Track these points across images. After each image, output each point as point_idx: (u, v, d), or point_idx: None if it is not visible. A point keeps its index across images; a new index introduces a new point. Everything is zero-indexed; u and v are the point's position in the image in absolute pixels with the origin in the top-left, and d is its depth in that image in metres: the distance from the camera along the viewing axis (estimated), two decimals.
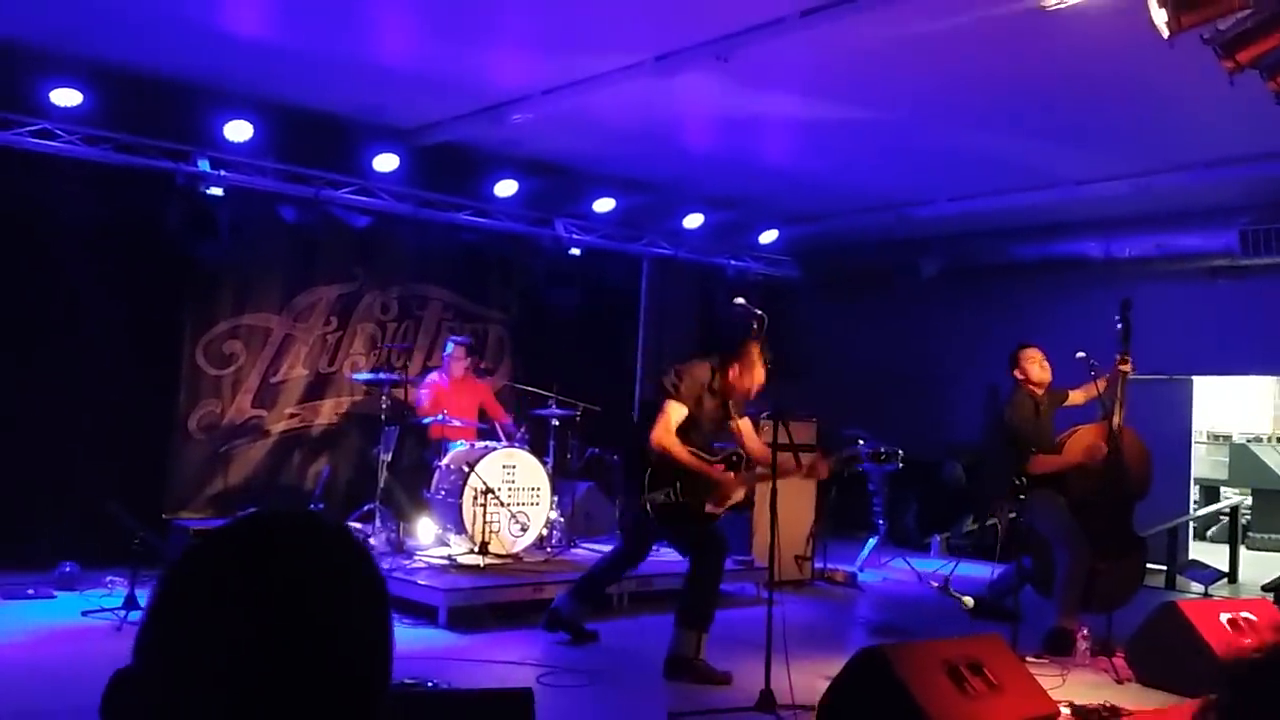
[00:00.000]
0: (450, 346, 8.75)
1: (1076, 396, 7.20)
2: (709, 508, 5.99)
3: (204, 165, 8.09)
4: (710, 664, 5.80)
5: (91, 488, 7.45)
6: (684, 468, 5.84)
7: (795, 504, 8.32)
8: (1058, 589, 6.72)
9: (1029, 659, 5.83)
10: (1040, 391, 7.04)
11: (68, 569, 7.13)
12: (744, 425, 6.20)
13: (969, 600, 7.82)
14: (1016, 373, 7.09)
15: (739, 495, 6.18)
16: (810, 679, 5.27)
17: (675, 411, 5.88)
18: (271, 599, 1.04)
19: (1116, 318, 6.90)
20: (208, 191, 8.10)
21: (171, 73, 7.62)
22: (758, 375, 6.05)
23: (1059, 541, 6.76)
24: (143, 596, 6.40)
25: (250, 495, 8.53)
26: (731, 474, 6.04)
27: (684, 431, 5.91)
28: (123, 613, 6.24)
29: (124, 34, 6.96)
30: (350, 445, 9.21)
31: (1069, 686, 5.71)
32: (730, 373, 6.03)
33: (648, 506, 5.90)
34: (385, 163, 8.73)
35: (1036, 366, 7.05)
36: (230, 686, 1.01)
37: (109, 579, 7.03)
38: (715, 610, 5.96)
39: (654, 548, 6.64)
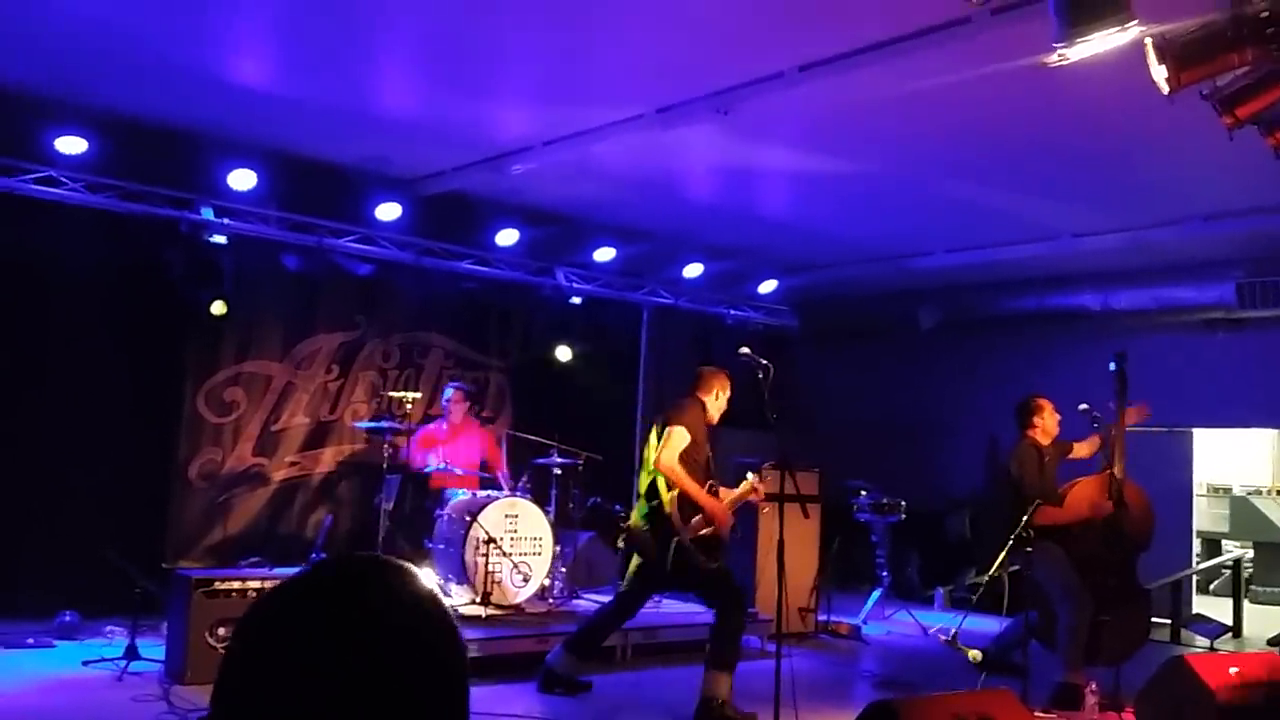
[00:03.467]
0: (449, 391, 8.76)
1: (1081, 450, 7.22)
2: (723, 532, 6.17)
3: (208, 213, 8.13)
4: (738, 707, 5.85)
5: (91, 536, 7.41)
6: (689, 496, 5.99)
7: (798, 556, 8.29)
8: (1060, 643, 6.69)
9: (1039, 713, 5.78)
10: (1046, 443, 7.05)
11: (67, 618, 7.07)
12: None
13: (976, 654, 7.76)
14: (1035, 420, 7.09)
15: (727, 525, 6.25)
16: None
17: (680, 437, 6.05)
18: (348, 652, 1.04)
19: (1112, 367, 6.94)
20: (211, 239, 8.13)
21: (176, 121, 7.68)
22: (723, 401, 6.39)
23: (1060, 595, 6.73)
24: (143, 646, 6.35)
25: (250, 544, 8.49)
26: (723, 503, 6.18)
27: (685, 462, 6.07)
28: (123, 662, 6.18)
29: (129, 82, 7.02)
30: (351, 494, 9.18)
31: None
32: (707, 402, 6.31)
33: (687, 542, 5.97)
34: (387, 212, 8.78)
35: (1050, 417, 7.07)
36: None
37: (109, 629, 6.97)
38: (741, 651, 6.10)
39: (654, 598, 6.62)
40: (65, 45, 6.42)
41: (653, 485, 6.17)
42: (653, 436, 6.40)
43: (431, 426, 8.73)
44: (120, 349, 8.07)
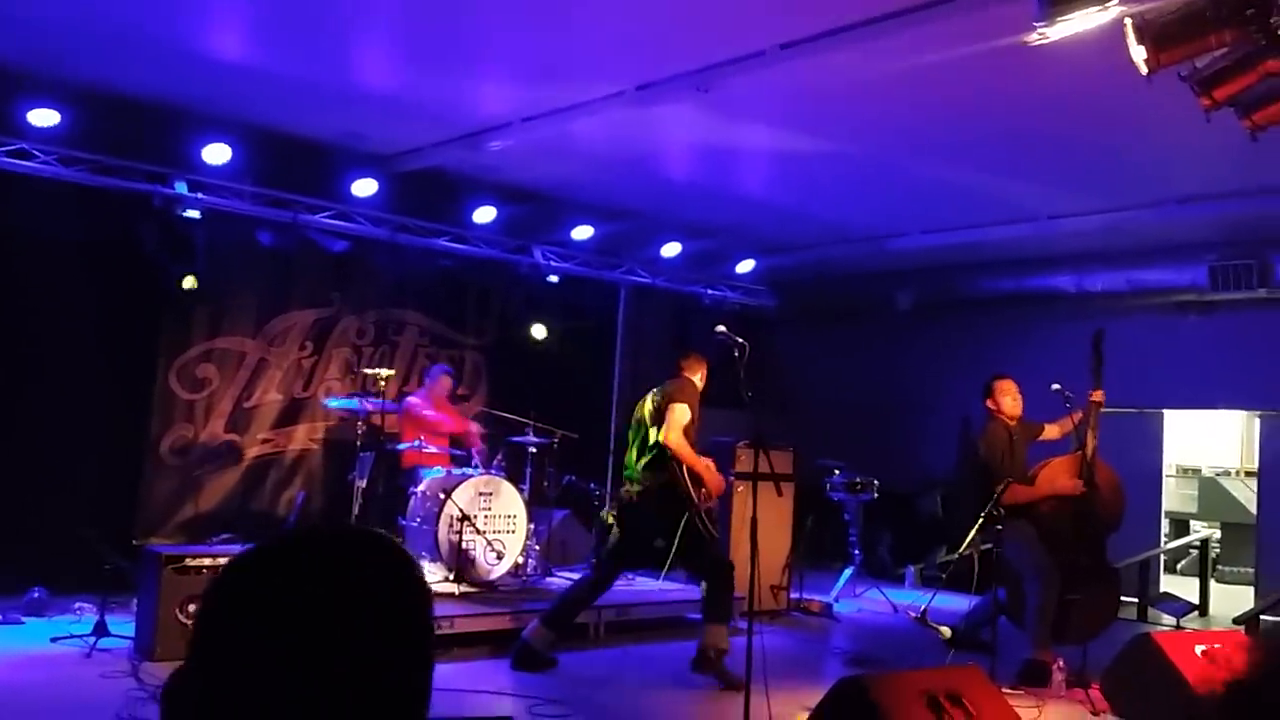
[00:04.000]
0: (439, 374, 8.72)
1: (1052, 431, 7.28)
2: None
3: (181, 188, 8.05)
4: (730, 669, 6.08)
5: (61, 512, 7.36)
6: (692, 468, 6.33)
7: (771, 534, 8.31)
8: (1029, 621, 6.76)
9: (1006, 690, 5.83)
10: (1013, 423, 7.10)
11: (36, 595, 7.02)
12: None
13: (946, 631, 7.84)
14: (989, 403, 7.17)
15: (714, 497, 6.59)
16: (789, 709, 5.25)
17: (683, 414, 6.33)
18: (311, 610, 1.05)
19: (1089, 350, 6.99)
20: (185, 214, 8.05)
21: (150, 95, 7.59)
22: (701, 382, 6.69)
23: (1029, 573, 6.80)
24: (112, 623, 6.32)
25: (223, 521, 8.45)
26: (720, 476, 6.53)
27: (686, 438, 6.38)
28: (92, 639, 6.15)
29: (103, 55, 6.93)
30: (325, 471, 9.14)
31: (1045, 718, 5.73)
32: (696, 378, 6.63)
33: (701, 514, 6.34)
34: (364, 188, 8.71)
35: (1009, 399, 7.12)
36: (268, 692, 1.02)
37: (78, 605, 6.92)
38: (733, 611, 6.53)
39: (628, 576, 6.73)
40: (38, 17, 6.32)
41: (655, 461, 6.37)
42: (645, 414, 6.55)
43: (414, 400, 8.69)
44: (92, 324, 7.99)
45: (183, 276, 8.06)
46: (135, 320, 8.31)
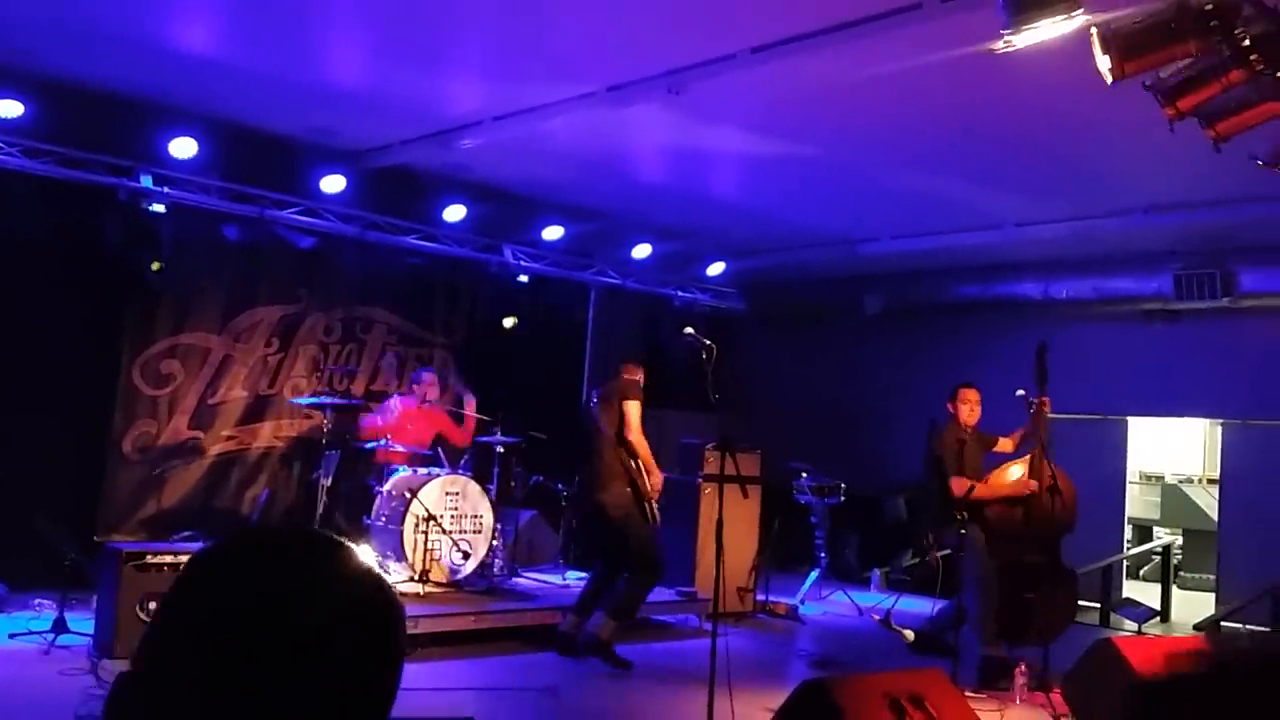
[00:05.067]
0: (424, 375, 8.67)
1: (1005, 445, 7.47)
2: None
3: (147, 181, 7.96)
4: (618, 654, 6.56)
5: (21, 507, 7.25)
6: (645, 463, 6.86)
7: (738, 536, 8.33)
8: (972, 623, 6.87)
9: (969, 693, 5.87)
10: (968, 430, 7.28)
11: None
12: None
13: (909, 634, 7.89)
14: (950, 407, 7.37)
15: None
16: (753, 710, 5.26)
17: (638, 411, 6.85)
18: (268, 612, 1.03)
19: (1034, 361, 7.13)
20: (150, 208, 7.96)
21: (116, 87, 7.50)
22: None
23: (970, 581, 6.91)
24: (72, 620, 6.24)
25: (185, 518, 8.36)
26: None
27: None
28: (51, 635, 6.07)
29: (68, 47, 6.84)
30: (290, 469, 9.07)
31: None
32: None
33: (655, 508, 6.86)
34: (332, 184, 8.65)
35: (967, 408, 7.34)
36: (218, 697, 1.00)
37: (37, 601, 6.84)
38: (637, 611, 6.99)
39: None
40: (1, 7, 6.23)
41: (617, 459, 6.83)
42: (601, 415, 6.82)
43: (395, 402, 8.60)
44: (55, 319, 7.88)
45: (150, 261, 7.97)
46: (99, 315, 8.22)
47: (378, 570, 1.15)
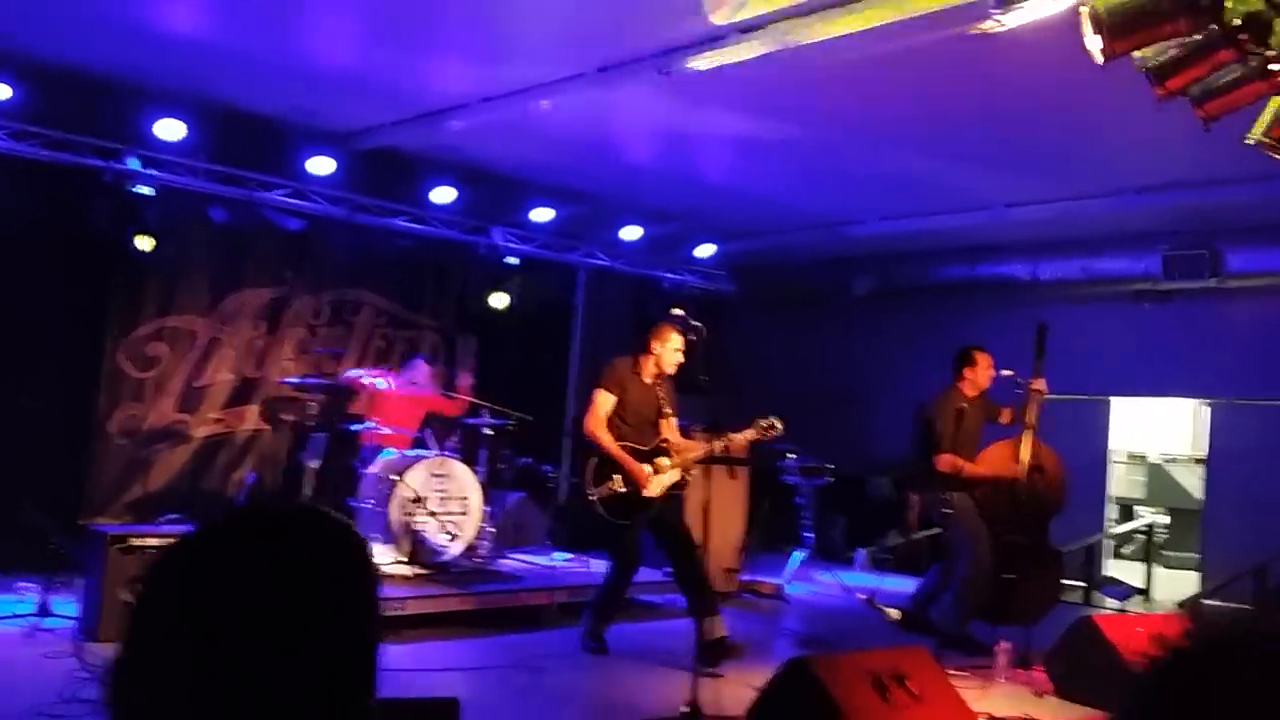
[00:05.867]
0: (420, 365, 8.66)
1: (1006, 416, 7.38)
2: (650, 492, 6.30)
3: (134, 163, 7.93)
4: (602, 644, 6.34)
5: (5, 491, 7.24)
6: (608, 455, 6.23)
7: (725, 517, 8.35)
8: (953, 592, 6.89)
9: (952, 672, 5.90)
10: (972, 396, 7.21)
11: None
12: (669, 424, 6.50)
13: (894, 613, 7.93)
14: (966, 371, 7.24)
15: (656, 483, 6.35)
16: (738, 690, 5.29)
17: (603, 399, 6.26)
18: (250, 591, 1.04)
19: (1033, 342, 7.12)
20: (137, 190, 7.93)
21: (103, 69, 7.46)
22: (671, 352, 6.40)
23: (961, 545, 6.93)
24: (56, 603, 6.23)
25: (172, 502, 8.35)
26: (647, 467, 6.31)
27: (617, 422, 6.26)
28: (35, 619, 6.06)
29: (54, 29, 6.79)
30: (277, 452, 9.05)
31: (989, 699, 5.80)
32: (645, 359, 6.40)
33: (595, 500, 6.23)
34: (320, 166, 8.61)
35: (987, 373, 7.25)
36: (205, 682, 1.01)
37: (21, 585, 6.81)
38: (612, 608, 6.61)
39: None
40: None
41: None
42: None
43: (397, 387, 8.60)
44: (41, 301, 7.86)
45: (136, 237, 7.93)
46: (85, 297, 8.19)
47: (359, 540, 1.14)
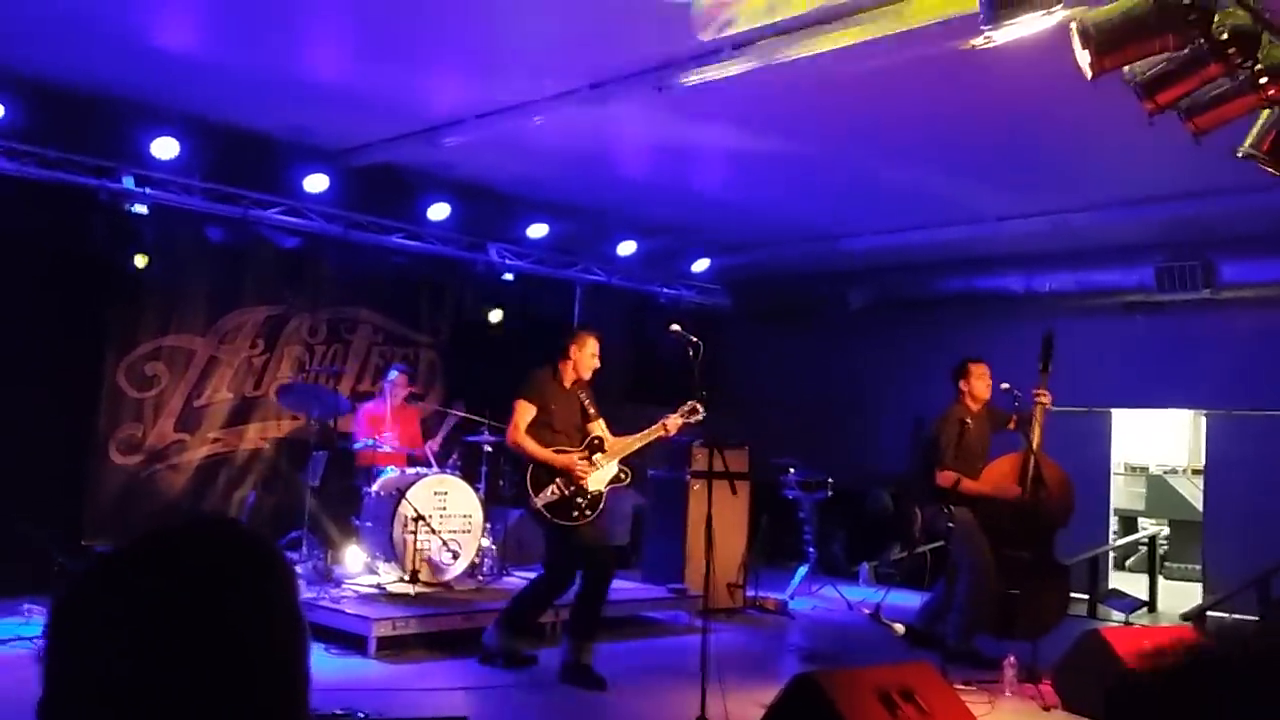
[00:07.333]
0: (393, 374, 8.67)
1: (1014, 423, 7.37)
2: (591, 487, 6.31)
3: (129, 182, 7.92)
4: (598, 673, 6.10)
5: (7, 512, 7.19)
6: (538, 460, 6.19)
7: (727, 532, 8.33)
8: (955, 607, 6.87)
9: (959, 686, 5.89)
10: (976, 408, 7.21)
11: None
12: (598, 426, 6.53)
13: (899, 628, 7.92)
14: (962, 384, 7.26)
15: (592, 474, 6.35)
16: (745, 706, 5.27)
17: (523, 410, 6.28)
18: (162, 612, 1.00)
19: (1039, 349, 7.10)
20: (132, 209, 7.92)
21: (97, 87, 7.45)
22: (588, 357, 6.48)
23: (963, 563, 6.92)
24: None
25: (173, 521, 8.31)
26: (574, 456, 6.31)
27: (540, 431, 6.27)
28: (40, 640, 6.02)
29: (48, 47, 6.79)
30: (277, 471, 9.04)
31: (997, 713, 5.80)
32: (564, 364, 6.43)
33: (540, 507, 6.19)
34: (315, 183, 8.62)
35: (983, 383, 7.22)
36: (126, 709, 0.98)
37: (25, 606, 6.78)
38: (601, 619, 6.42)
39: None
40: None
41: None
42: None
43: (372, 405, 8.62)
44: (38, 321, 7.84)
45: (133, 256, 7.93)
46: (82, 317, 8.17)
47: (270, 549, 1.11)
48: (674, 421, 6.44)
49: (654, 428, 6.49)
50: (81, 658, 1.01)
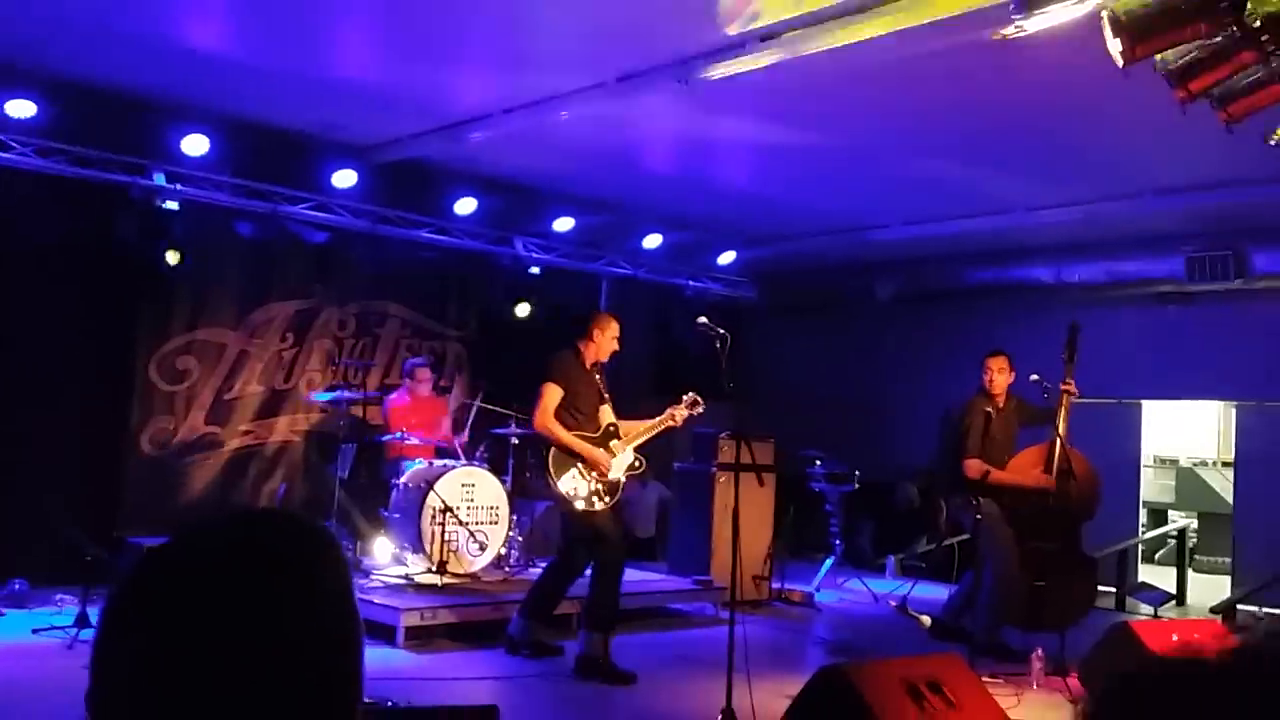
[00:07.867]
0: (414, 367, 8.72)
1: (1040, 417, 7.35)
2: (611, 475, 6.34)
3: (160, 179, 8.00)
4: (617, 665, 6.10)
5: (42, 504, 7.32)
6: (566, 448, 6.20)
7: (753, 524, 8.34)
8: (980, 600, 6.86)
9: (986, 678, 5.88)
10: (1000, 400, 7.19)
11: (17, 586, 7.01)
12: (607, 410, 6.57)
13: (926, 620, 7.90)
14: (983, 377, 7.31)
15: (614, 465, 6.40)
16: (771, 698, 5.28)
17: (551, 393, 6.25)
18: (217, 602, 1.00)
19: (1064, 341, 7.08)
20: (163, 205, 8.00)
21: (128, 85, 7.53)
22: (609, 340, 6.50)
23: (989, 554, 6.90)
24: (94, 614, 6.29)
25: (205, 512, 8.41)
26: (601, 449, 6.35)
27: (563, 414, 6.27)
28: (74, 630, 6.13)
29: (80, 46, 6.87)
30: (306, 463, 9.12)
31: (1024, 706, 5.78)
32: (587, 346, 6.44)
33: (560, 490, 6.22)
34: (344, 179, 8.68)
35: (1002, 376, 7.25)
36: (177, 698, 0.97)
37: (59, 597, 6.90)
38: (618, 610, 6.40)
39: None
40: (13, 7, 6.27)
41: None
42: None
43: (395, 397, 8.68)
44: (70, 317, 7.95)
45: (165, 252, 8.01)
46: (114, 312, 8.27)
47: (329, 538, 1.10)
48: (680, 412, 6.53)
49: (662, 417, 6.56)
50: (133, 647, 1.00)
